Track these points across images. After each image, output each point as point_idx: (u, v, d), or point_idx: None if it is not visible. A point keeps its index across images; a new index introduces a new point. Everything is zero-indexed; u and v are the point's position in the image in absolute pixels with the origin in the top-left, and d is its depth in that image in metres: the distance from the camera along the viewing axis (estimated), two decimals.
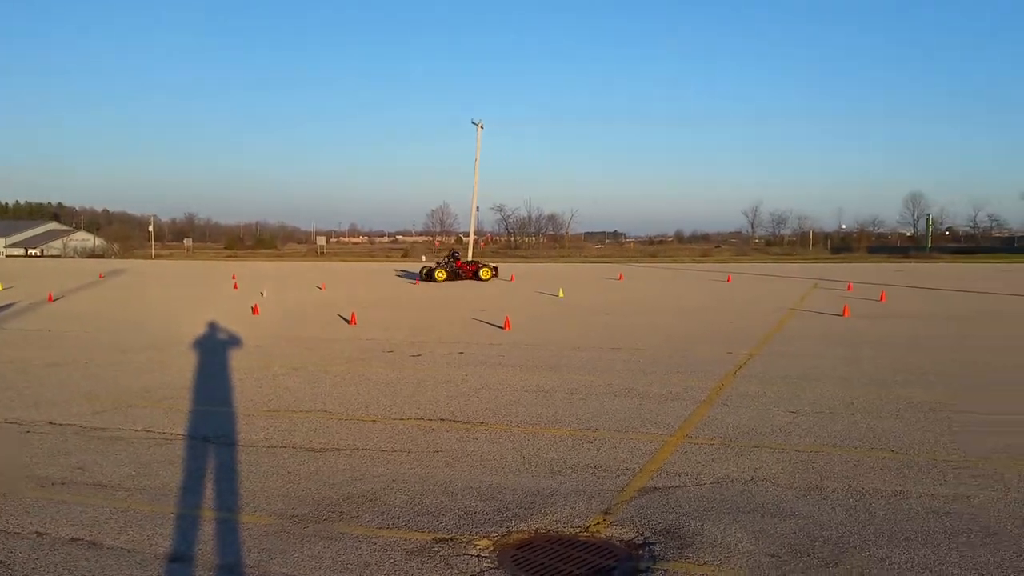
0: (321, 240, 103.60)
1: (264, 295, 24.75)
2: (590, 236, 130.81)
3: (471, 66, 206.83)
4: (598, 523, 4.94)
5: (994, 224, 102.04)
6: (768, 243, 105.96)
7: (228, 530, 4.94)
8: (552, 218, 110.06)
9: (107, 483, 5.92)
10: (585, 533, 4.80)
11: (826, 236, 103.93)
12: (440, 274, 31.57)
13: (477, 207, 69.71)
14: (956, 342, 12.68)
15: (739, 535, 4.66)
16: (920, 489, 5.41)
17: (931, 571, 4.12)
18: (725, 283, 29.76)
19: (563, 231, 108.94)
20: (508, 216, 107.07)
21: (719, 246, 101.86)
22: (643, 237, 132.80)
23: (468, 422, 7.68)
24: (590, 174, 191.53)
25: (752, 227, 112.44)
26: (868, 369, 10.28)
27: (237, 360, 11.83)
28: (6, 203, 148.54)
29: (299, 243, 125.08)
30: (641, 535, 4.72)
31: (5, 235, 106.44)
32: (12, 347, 13.49)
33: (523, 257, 75.82)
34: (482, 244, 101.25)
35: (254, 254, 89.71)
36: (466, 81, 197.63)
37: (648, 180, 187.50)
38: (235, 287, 29.25)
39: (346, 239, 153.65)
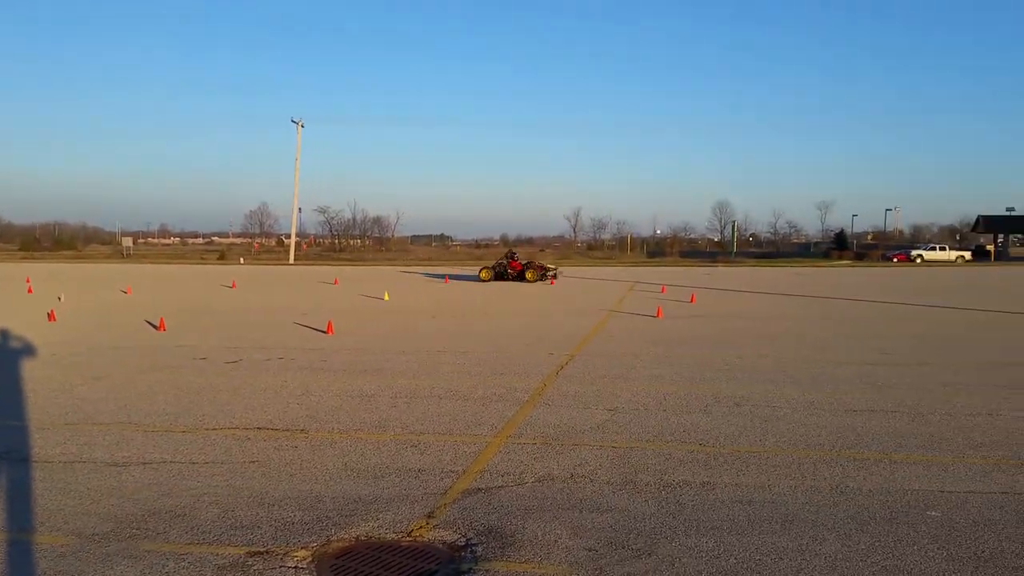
0: (127, 241, 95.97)
1: (62, 300, 22.62)
2: (417, 239, 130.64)
3: (290, 62, 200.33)
4: (420, 527, 4.89)
5: (792, 230, 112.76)
6: (590, 247, 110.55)
7: (20, 552, 4.46)
8: (377, 220, 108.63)
9: None
10: (407, 538, 4.74)
11: (642, 241, 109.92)
12: (485, 273, 33.09)
13: (299, 208, 67.92)
14: (757, 339, 13.79)
15: (559, 531, 4.78)
16: (726, 479, 5.79)
17: (735, 557, 4.41)
18: (549, 286, 30.67)
19: (389, 234, 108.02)
20: (332, 218, 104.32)
21: (543, 250, 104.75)
22: (469, 240, 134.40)
23: (287, 430, 7.39)
24: (416, 176, 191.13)
25: (575, 231, 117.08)
26: (680, 367, 10.92)
27: (31, 370, 10.73)
28: None
29: (103, 244, 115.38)
30: (464, 536, 4.72)
31: None
32: None
33: (347, 260, 74.23)
34: (304, 246, 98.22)
35: (52, 255, 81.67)
36: (285, 78, 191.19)
37: (474, 183, 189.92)
38: (30, 291, 26.57)
39: (155, 240, 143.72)
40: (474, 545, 4.59)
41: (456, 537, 4.72)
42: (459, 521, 4.97)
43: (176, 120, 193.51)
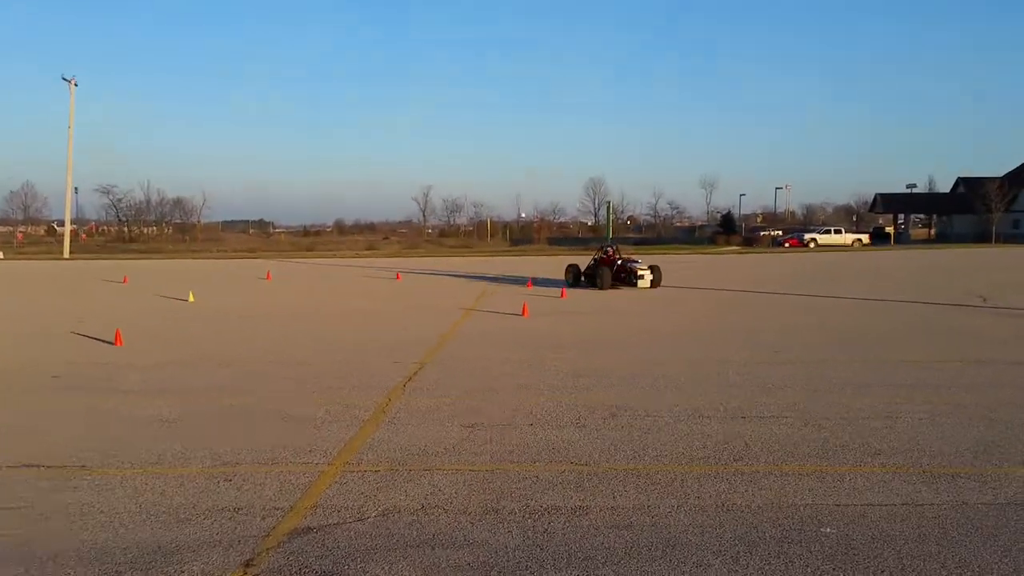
0: None
1: None
2: (229, 226, 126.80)
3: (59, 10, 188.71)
4: None
5: (675, 212, 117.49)
6: (442, 233, 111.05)
7: None
8: (179, 203, 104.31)
9: None
10: None
11: (505, 226, 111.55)
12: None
13: (75, 188, 64.11)
14: (636, 338, 14.29)
15: (407, 572, 4.78)
16: (600, 502, 5.97)
17: None
18: (395, 281, 30.54)
19: (193, 219, 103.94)
20: (118, 200, 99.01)
21: (387, 237, 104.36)
22: (296, 227, 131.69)
23: (63, 466, 7.01)
24: (227, 150, 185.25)
25: (424, 215, 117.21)
26: (548, 373, 11.16)
27: None
28: None
29: None
30: None
31: None
32: None
33: (141, 252, 70.75)
34: (83, 236, 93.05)
35: None
36: (52, 29, 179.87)
37: (300, 161, 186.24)
38: None
39: None
40: None
41: None
42: (285, 568, 4.88)
43: None
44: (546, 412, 8.87)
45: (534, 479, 6.54)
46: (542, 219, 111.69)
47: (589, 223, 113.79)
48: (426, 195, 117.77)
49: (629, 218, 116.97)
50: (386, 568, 4.85)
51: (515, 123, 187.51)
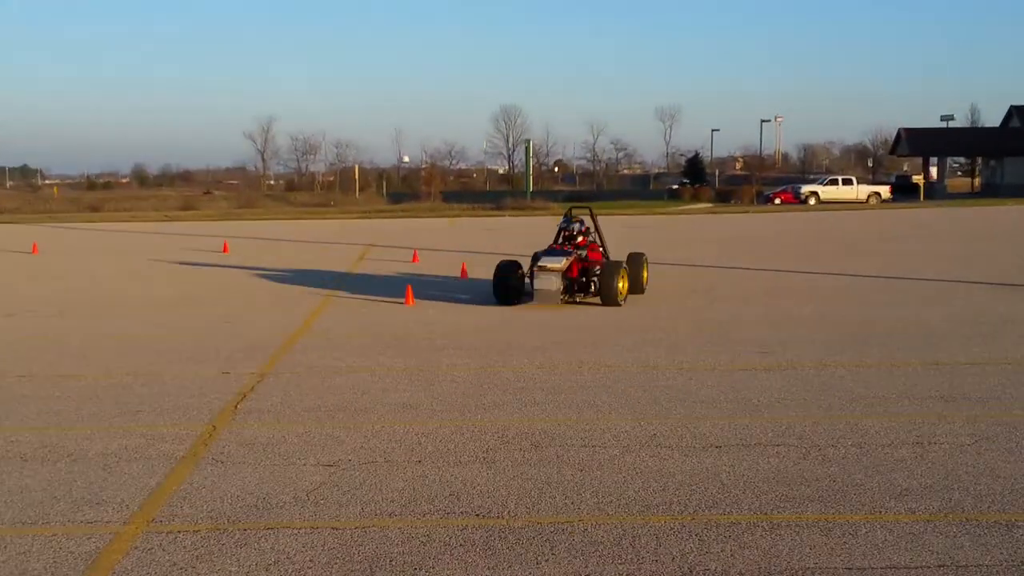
0: None
1: None
2: None
3: None
4: None
5: (623, 156, 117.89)
6: (291, 186, 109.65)
7: None
8: None
9: None
10: None
11: (381, 175, 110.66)
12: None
13: None
14: (540, 337, 14.34)
15: None
16: (519, 572, 5.95)
17: None
18: (221, 254, 30.09)
19: None
20: None
21: (210, 192, 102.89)
22: (76, 177, 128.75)
23: None
24: None
25: (264, 160, 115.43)
26: (443, 386, 11.22)
27: None
28: None
29: None
30: None
31: None
32: None
33: None
34: None
35: None
36: None
37: (83, 82, 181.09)
38: None
39: None
40: None
41: None
42: None
43: None
44: (440, 442, 8.88)
45: (424, 539, 6.50)
46: (433, 165, 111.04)
47: (501, 171, 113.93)
48: (266, 131, 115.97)
49: (556, 164, 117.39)
50: None
51: (394, 30, 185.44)
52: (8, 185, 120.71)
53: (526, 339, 14.38)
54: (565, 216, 19.39)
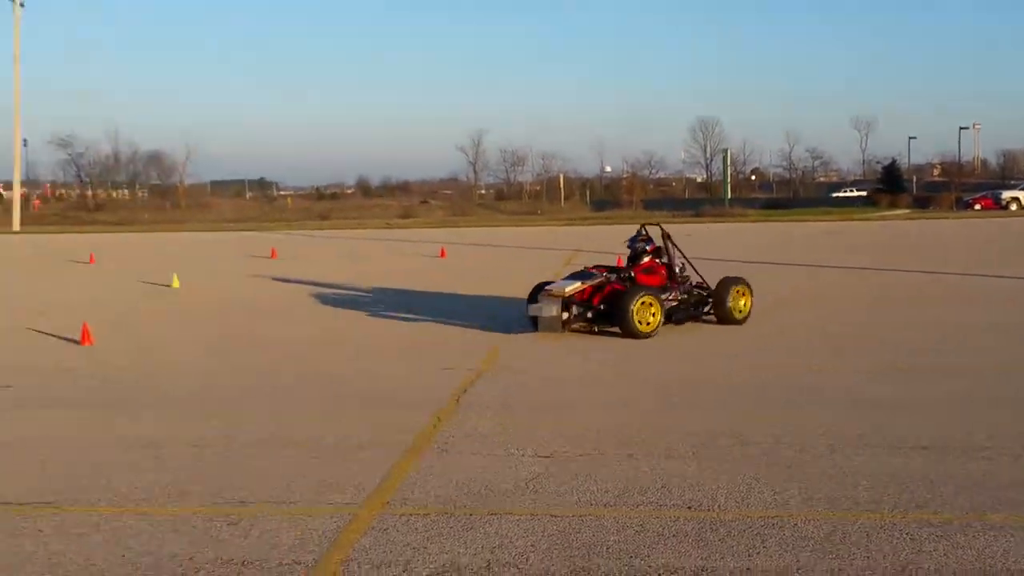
0: None
1: None
2: (221, 187, 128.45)
3: None
4: None
5: (817, 164, 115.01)
6: (500, 195, 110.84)
7: None
8: (156, 159, 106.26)
9: None
10: None
11: (584, 184, 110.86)
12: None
13: (24, 140, 65.35)
14: (771, 338, 14.03)
15: None
16: (731, 563, 5.78)
17: None
18: (438, 259, 30.62)
19: (175, 180, 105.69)
20: (80, 156, 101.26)
21: (427, 201, 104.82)
22: (307, 188, 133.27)
23: (23, 503, 7.15)
24: (215, 90, 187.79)
25: (475, 171, 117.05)
26: (650, 385, 11.08)
27: None
28: None
29: None
30: None
31: None
32: None
33: (110, 223, 72.24)
34: (37, 202, 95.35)
35: None
36: None
37: (313, 103, 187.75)
38: None
39: None
40: None
41: None
42: None
43: None
44: (649, 437, 8.75)
45: (638, 528, 6.40)
46: (634, 175, 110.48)
47: (699, 179, 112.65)
48: (477, 144, 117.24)
49: (753, 172, 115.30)
50: None
51: (594, 48, 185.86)
52: (248, 196, 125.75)
53: (728, 347, 14.09)
54: (636, 233, 16.31)
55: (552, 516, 6.67)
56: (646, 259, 15.55)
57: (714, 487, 7.27)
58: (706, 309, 15.58)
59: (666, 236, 16.04)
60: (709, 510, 6.77)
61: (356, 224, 64.05)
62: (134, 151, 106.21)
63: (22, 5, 59.82)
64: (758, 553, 5.95)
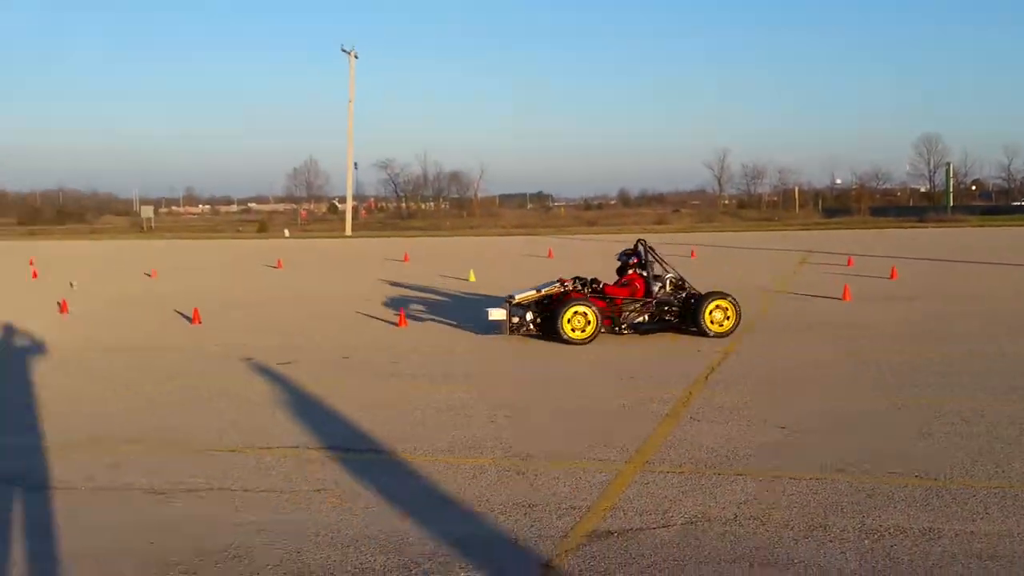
0: (147, 211, 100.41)
1: (74, 287, 23.96)
2: (507, 199, 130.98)
3: None
4: None
5: None
6: (741, 204, 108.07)
7: None
8: (456, 177, 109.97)
9: None
10: None
11: (816, 194, 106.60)
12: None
13: (355, 164, 69.22)
14: (990, 328, 13.27)
15: None
16: (955, 526, 5.57)
17: None
18: (689, 259, 30.30)
19: (471, 193, 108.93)
20: (397, 175, 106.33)
21: (678, 210, 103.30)
22: (577, 200, 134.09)
23: (358, 451, 7.62)
24: (505, 119, 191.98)
25: (720, 184, 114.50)
26: (880, 369, 10.65)
27: (43, 376, 11.46)
28: None
29: (118, 215, 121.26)
30: None
31: None
32: None
33: (419, 229, 75.21)
34: (363, 212, 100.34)
35: (58, 230, 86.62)
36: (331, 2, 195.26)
37: (582, 127, 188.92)
38: (34, 275, 28.25)
39: (181, 209, 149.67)
40: None
41: None
42: (586, 573, 5.01)
43: (207, 66, 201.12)
44: (880, 416, 8.44)
45: (868, 492, 6.23)
46: (862, 186, 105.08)
47: (922, 189, 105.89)
48: (722, 160, 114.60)
49: (973, 183, 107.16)
50: None
51: (829, 72, 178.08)
52: (528, 207, 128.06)
53: (955, 332, 13.37)
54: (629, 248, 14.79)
55: (791, 479, 6.58)
56: (629, 272, 14.38)
57: (940, 459, 6.98)
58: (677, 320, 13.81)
59: (648, 251, 14.36)
60: (936, 479, 6.50)
61: (617, 229, 64.05)
62: (439, 171, 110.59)
63: (356, 56, 62.98)
64: (980, 518, 5.70)
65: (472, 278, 24.11)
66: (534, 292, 13.58)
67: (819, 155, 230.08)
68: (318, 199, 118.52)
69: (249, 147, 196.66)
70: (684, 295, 13.86)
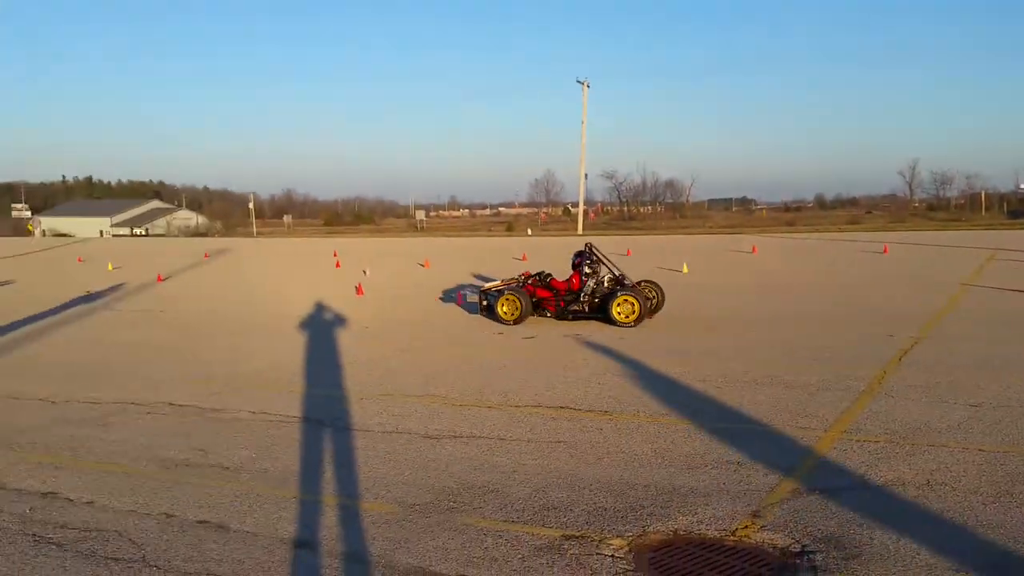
0: (420, 214, 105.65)
1: (367, 273, 25.50)
2: (714, 203, 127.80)
3: (574, 19, 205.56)
4: (746, 527, 4.84)
5: None
6: (930, 207, 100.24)
7: (350, 517, 5.16)
8: (670, 184, 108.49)
9: (229, 465, 6.31)
10: (731, 537, 4.72)
11: (1001, 198, 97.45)
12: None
13: (585, 175, 69.59)
14: None
15: (915, 546, 4.45)
16: None
17: None
18: (881, 255, 28.42)
19: (683, 199, 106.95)
20: (620, 183, 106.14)
21: (870, 212, 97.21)
22: (777, 203, 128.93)
23: (590, 410, 7.67)
24: (712, 133, 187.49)
25: (910, 189, 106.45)
26: None
27: (345, 342, 12.27)
28: (109, 182, 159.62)
29: (398, 218, 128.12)
30: (798, 542, 4.59)
31: (110, 214, 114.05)
32: (126, 328, 14.48)
33: (638, 229, 74.80)
34: (592, 215, 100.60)
35: (353, 230, 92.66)
36: (569, 35, 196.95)
37: (781, 138, 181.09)
38: (337, 265, 30.26)
39: (446, 213, 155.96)
40: (812, 553, 4.44)
41: (789, 542, 4.60)
42: (791, 524, 4.84)
43: (466, 92, 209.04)
44: None
45: None
46: None
47: None
48: (913, 168, 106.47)
49: None
50: (893, 538, 4.56)
51: (1010, 89, 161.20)
52: (733, 209, 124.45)
53: None
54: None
55: (980, 451, 6.09)
56: (574, 271, 14.01)
57: None
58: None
59: (592, 253, 13.94)
60: None
61: (812, 229, 60.97)
62: (656, 179, 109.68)
63: (588, 85, 63.22)
64: None
65: (685, 270, 23.67)
66: (498, 282, 15.03)
67: (1004, 162, 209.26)
68: (555, 204, 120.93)
69: (500, 162, 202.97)
70: (603, 291, 13.58)
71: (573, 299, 13.76)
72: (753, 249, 33.68)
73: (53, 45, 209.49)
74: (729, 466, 5.96)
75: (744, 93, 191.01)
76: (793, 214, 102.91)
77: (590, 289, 13.65)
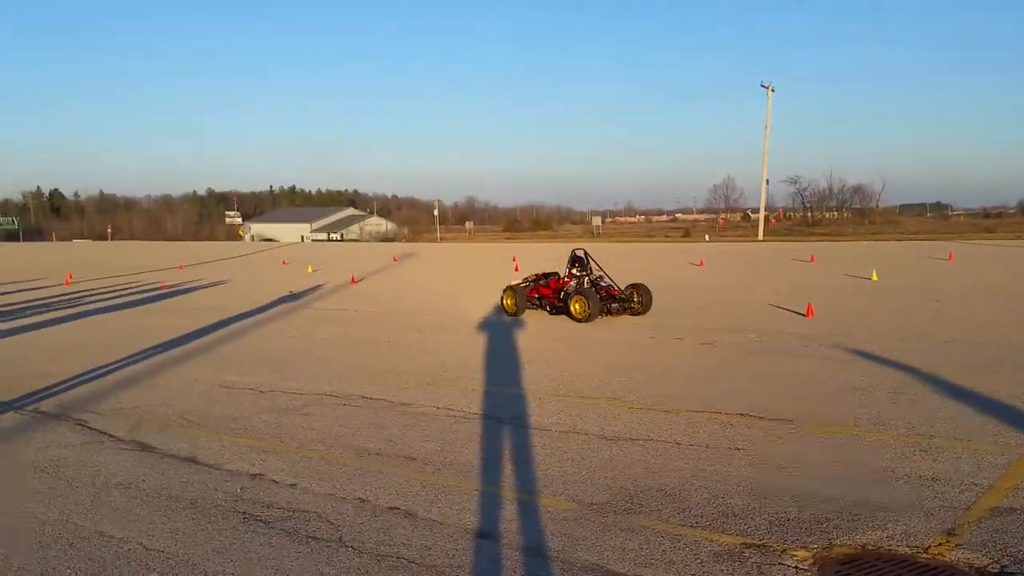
0: (596, 220, 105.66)
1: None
2: (905, 209, 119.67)
3: (759, 23, 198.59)
4: (940, 544, 4.53)
5: None
6: None
7: (529, 511, 5.27)
8: (858, 190, 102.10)
9: (416, 456, 6.59)
10: (924, 554, 4.43)
11: None
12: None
13: (767, 180, 67.00)
14: None
15: None
16: None
17: None
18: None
19: (872, 204, 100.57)
20: (804, 189, 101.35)
21: None
22: (975, 209, 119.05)
23: (771, 419, 7.40)
24: (904, 137, 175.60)
25: None
26: None
27: (523, 342, 12.49)
28: (309, 191, 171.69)
29: (574, 224, 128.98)
30: (997, 563, 4.25)
31: (311, 220, 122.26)
32: (324, 325, 15.43)
33: (823, 235, 71.25)
34: (773, 221, 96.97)
35: (531, 235, 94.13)
36: (754, 40, 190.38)
37: (980, 139, 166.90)
38: (516, 269, 30.85)
39: (622, 219, 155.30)
40: (1012, 575, 4.10)
41: (987, 562, 4.27)
42: (990, 544, 4.48)
43: (633, 96, 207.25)
44: None
45: None
46: None
47: None
48: None
49: None
50: None
51: None
52: (928, 215, 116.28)
53: None
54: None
55: None
56: (564, 272, 15.97)
57: None
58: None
59: (582, 258, 15.93)
60: None
61: (1014, 236, 55.88)
62: (843, 184, 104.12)
63: (772, 90, 61.06)
64: None
65: (875, 277, 22.35)
66: (521, 281, 16.53)
67: None
68: (733, 210, 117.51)
69: (678, 168, 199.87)
70: (571, 291, 15.20)
71: (556, 296, 15.59)
72: (949, 256, 31.37)
73: (270, 81, 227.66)
74: (921, 481, 5.60)
75: (934, 96, 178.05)
76: (993, 220, 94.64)
77: (572, 289, 15.32)
